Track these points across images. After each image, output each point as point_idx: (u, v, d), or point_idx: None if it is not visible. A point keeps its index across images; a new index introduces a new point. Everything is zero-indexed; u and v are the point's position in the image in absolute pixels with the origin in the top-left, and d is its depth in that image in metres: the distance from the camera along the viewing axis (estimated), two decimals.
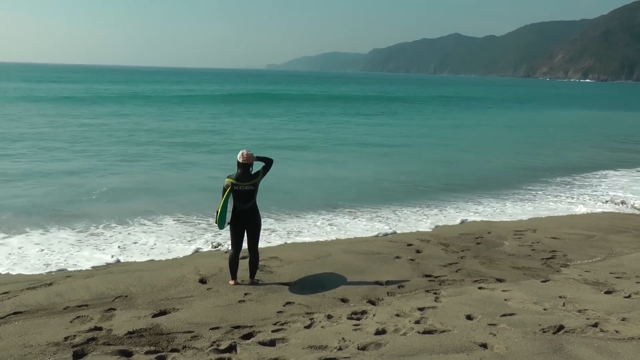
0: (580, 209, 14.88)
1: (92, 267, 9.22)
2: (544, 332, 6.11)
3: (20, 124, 31.42)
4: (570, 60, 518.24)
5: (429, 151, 26.65)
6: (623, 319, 6.54)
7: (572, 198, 16.50)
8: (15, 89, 67.67)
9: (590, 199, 16.29)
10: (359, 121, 42.11)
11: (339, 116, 46.07)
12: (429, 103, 70.39)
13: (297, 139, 29.75)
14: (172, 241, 10.92)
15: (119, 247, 10.44)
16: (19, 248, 10.17)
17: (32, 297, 7.40)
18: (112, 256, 9.83)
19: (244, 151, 7.83)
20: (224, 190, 7.75)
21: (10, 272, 8.87)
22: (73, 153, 22.04)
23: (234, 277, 8.15)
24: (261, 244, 10.39)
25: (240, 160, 7.79)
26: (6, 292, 7.57)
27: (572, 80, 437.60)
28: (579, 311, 6.90)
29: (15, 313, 6.84)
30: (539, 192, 17.26)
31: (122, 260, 9.67)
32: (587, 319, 6.56)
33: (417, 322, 6.48)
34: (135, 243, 10.74)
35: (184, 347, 5.86)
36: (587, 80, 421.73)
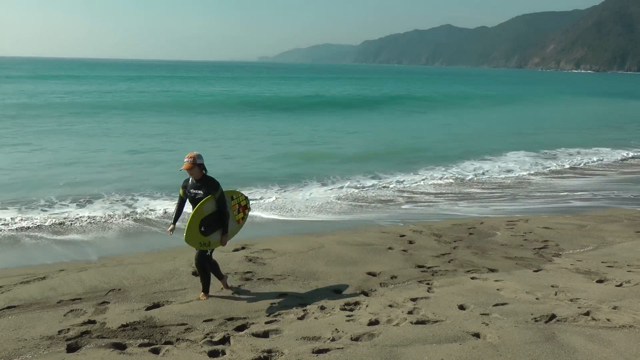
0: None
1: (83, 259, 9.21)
2: (536, 321, 6.15)
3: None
4: (562, 51, 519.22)
5: None
6: (614, 308, 6.59)
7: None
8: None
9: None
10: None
11: None
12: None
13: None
14: (165, 233, 10.90)
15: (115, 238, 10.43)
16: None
17: (26, 291, 7.38)
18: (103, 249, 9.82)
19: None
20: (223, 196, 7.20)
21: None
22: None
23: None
24: (253, 234, 10.44)
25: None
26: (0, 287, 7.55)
27: (564, 70, 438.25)
28: (571, 300, 6.94)
29: (8, 307, 6.83)
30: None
31: (115, 254, 9.67)
32: (578, 307, 6.60)
33: (410, 312, 6.51)
34: (126, 235, 10.73)
35: (178, 339, 5.87)
36: (580, 71, 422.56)
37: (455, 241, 10.37)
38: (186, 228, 6.91)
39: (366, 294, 7.44)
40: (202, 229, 6.96)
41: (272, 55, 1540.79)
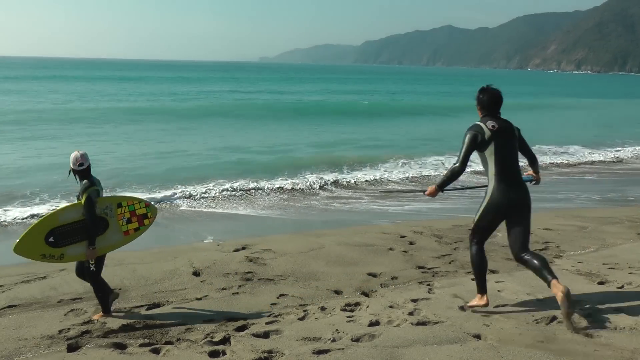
0: None
1: None
2: (537, 322, 6.14)
3: None
4: (563, 52, 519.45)
5: None
6: (616, 309, 6.58)
7: None
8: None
9: None
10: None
11: None
12: None
13: None
14: (166, 233, 10.91)
15: None
16: None
17: (26, 291, 7.39)
18: None
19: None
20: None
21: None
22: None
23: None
24: (253, 234, 10.44)
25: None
26: (0, 286, 7.55)
27: (565, 72, 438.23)
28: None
29: (9, 306, 6.84)
30: None
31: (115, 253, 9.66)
32: (580, 309, 6.58)
33: (411, 313, 6.50)
34: None
35: (178, 339, 5.86)
36: (581, 72, 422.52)
37: (455, 242, 10.35)
38: (21, 235, 6.08)
39: (367, 295, 7.44)
40: (52, 239, 6.06)
41: (273, 55, 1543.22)
